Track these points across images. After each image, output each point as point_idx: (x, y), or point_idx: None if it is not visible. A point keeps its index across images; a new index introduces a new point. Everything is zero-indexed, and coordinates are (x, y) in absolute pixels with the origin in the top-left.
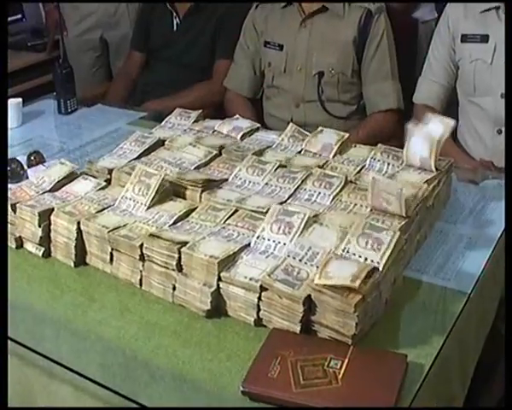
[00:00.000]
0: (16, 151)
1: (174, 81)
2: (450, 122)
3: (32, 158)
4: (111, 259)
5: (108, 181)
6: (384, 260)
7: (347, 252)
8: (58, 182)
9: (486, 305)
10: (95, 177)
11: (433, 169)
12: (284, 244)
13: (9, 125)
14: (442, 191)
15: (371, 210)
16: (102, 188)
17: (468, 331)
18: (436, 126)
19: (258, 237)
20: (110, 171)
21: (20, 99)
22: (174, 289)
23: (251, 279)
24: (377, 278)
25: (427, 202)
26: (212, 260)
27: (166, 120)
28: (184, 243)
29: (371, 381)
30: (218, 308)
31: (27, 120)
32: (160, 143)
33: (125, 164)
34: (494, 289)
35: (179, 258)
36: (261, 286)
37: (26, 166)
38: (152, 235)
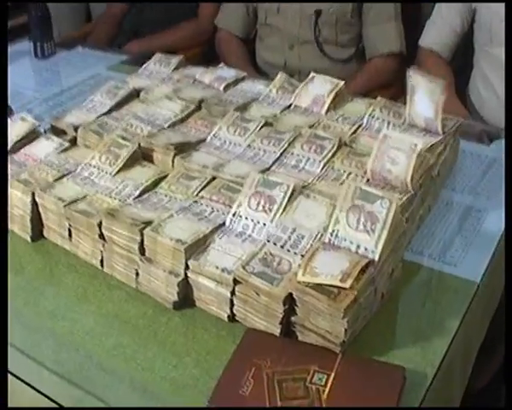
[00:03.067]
0: None
1: (161, 22)
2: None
3: None
4: (70, 235)
5: (74, 140)
6: (380, 248)
7: (336, 237)
8: (17, 142)
9: (493, 291)
10: (63, 133)
11: (440, 131)
12: (264, 225)
13: None
14: (448, 156)
15: (368, 181)
16: (65, 149)
17: (473, 325)
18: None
19: (234, 215)
20: (76, 128)
21: None
22: (138, 275)
23: (223, 270)
24: (372, 273)
25: (432, 170)
26: (179, 245)
27: (145, 66)
28: (148, 223)
29: (361, 402)
30: (187, 299)
31: None
32: (134, 95)
33: (93, 119)
34: (502, 274)
35: (142, 241)
36: (235, 279)
37: None
38: (111, 212)
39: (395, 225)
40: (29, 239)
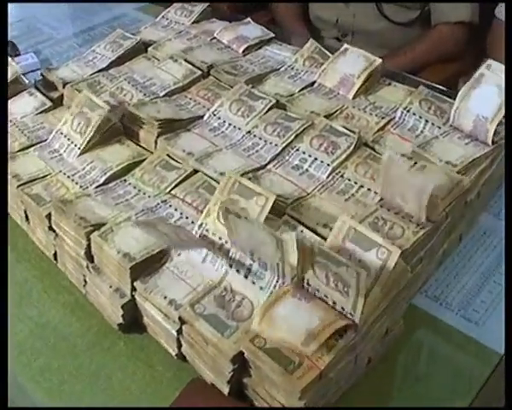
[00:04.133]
0: None
1: None
2: None
3: None
4: (27, 218)
5: (62, 98)
6: (359, 311)
7: (308, 284)
8: None
9: None
10: (54, 88)
11: (489, 141)
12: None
13: None
14: (496, 173)
15: (381, 199)
16: (47, 110)
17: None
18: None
19: (200, 227)
20: (66, 84)
21: None
22: (86, 282)
23: (171, 303)
24: (352, 339)
25: (467, 195)
26: (125, 262)
27: (163, 14)
28: (100, 225)
29: None
30: (135, 322)
31: None
32: (141, 49)
33: (88, 76)
34: None
35: (89, 246)
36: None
37: None
38: (61, 206)
39: (394, 278)
40: None
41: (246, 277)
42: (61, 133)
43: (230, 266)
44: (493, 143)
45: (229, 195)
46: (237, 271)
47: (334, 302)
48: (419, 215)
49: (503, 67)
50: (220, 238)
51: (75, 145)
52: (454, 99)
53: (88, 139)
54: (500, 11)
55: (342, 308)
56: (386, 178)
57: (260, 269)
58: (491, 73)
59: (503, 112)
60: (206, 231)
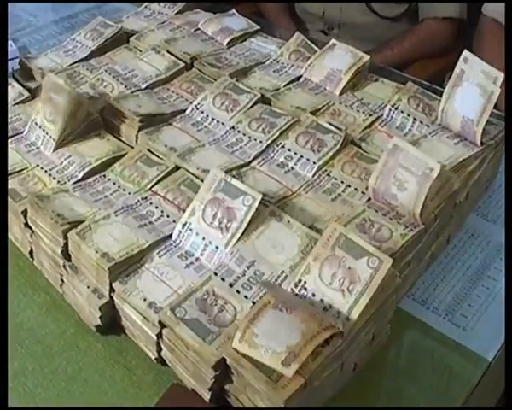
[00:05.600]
0: None
1: None
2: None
3: None
4: None
5: (40, 89)
6: (355, 316)
7: (304, 289)
8: None
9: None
10: (33, 78)
11: (478, 142)
12: (217, 248)
13: None
14: (485, 174)
15: (369, 199)
16: (24, 101)
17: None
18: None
19: (183, 226)
20: (44, 74)
21: None
22: (63, 281)
23: (150, 306)
24: (338, 346)
25: (456, 196)
26: (103, 261)
27: (146, 4)
28: (78, 223)
29: None
30: (114, 323)
31: None
32: (123, 39)
33: (68, 66)
34: None
35: (66, 244)
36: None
37: None
38: (38, 202)
39: (383, 286)
40: None
41: (231, 285)
42: (36, 123)
43: (215, 274)
44: (482, 143)
45: (215, 193)
46: (222, 279)
47: (329, 306)
48: (415, 204)
49: (480, 62)
50: (204, 239)
51: (50, 137)
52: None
53: (61, 129)
54: (485, 8)
55: (338, 312)
56: (384, 167)
57: (252, 279)
58: (471, 69)
59: (488, 113)
60: (190, 230)
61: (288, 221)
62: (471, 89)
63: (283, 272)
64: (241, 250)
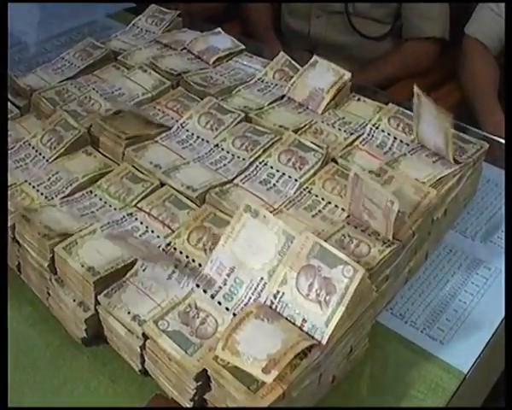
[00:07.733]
0: None
1: None
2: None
3: None
4: None
5: (28, 106)
6: (331, 327)
7: (280, 300)
8: None
9: (486, 384)
10: (20, 95)
11: (452, 160)
12: (199, 265)
13: None
14: (463, 191)
15: (348, 216)
16: (13, 117)
17: None
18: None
19: (169, 245)
20: (34, 92)
21: None
22: (49, 295)
23: (134, 318)
24: (316, 358)
25: (434, 213)
26: (89, 275)
27: (134, 22)
28: (65, 236)
29: None
30: (99, 336)
31: None
32: (110, 58)
33: (56, 83)
34: (501, 360)
35: (52, 258)
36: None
37: None
38: (26, 216)
39: (359, 297)
40: None
41: (212, 297)
42: (29, 144)
43: (197, 286)
44: (460, 162)
45: (203, 223)
46: (204, 291)
47: (304, 319)
48: (386, 232)
49: (429, 103)
50: (187, 256)
51: (43, 157)
52: None
53: (59, 154)
54: (468, 27)
55: (313, 325)
56: (353, 195)
57: (232, 289)
58: (424, 107)
59: (451, 142)
60: (174, 249)
61: (264, 216)
62: (431, 124)
63: (262, 278)
64: (220, 257)
